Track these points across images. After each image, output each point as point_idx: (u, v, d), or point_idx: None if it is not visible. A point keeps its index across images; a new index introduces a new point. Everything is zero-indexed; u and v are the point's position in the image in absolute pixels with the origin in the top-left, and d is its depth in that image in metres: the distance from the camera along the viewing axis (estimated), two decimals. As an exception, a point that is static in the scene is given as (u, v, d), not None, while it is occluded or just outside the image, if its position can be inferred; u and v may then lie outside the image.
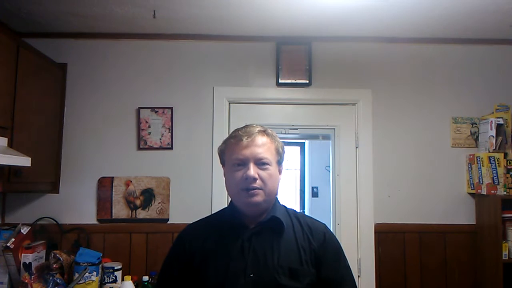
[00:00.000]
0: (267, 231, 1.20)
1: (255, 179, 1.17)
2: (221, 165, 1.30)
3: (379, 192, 2.51)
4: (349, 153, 2.55)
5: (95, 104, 2.52)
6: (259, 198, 1.18)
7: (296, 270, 1.15)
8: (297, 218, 1.28)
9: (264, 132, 1.24)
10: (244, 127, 1.26)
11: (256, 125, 1.26)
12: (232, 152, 1.21)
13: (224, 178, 1.27)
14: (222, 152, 1.28)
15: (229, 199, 1.30)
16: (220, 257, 1.17)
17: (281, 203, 1.31)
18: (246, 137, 1.20)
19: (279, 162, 1.26)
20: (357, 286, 1.26)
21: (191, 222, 1.33)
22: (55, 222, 2.40)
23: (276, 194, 1.27)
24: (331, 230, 2.53)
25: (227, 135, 1.29)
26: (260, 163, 1.19)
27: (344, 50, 2.60)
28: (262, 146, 1.20)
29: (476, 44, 2.60)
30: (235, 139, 1.22)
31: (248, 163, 1.18)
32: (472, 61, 2.61)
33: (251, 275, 1.13)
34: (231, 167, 1.22)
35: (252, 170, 1.17)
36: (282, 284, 1.12)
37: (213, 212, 1.41)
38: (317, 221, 1.31)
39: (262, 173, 1.18)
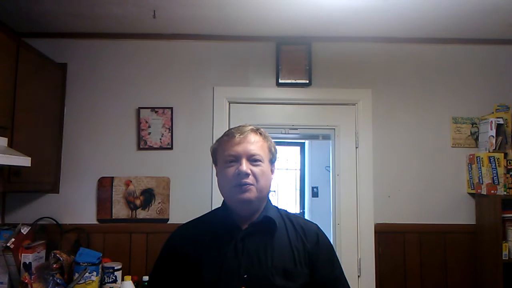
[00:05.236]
0: (260, 232, 1.21)
1: (247, 175, 1.18)
2: (213, 165, 1.31)
3: (379, 192, 2.51)
4: (349, 153, 2.55)
5: (95, 104, 2.52)
6: (251, 194, 1.18)
7: (290, 270, 1.16)
8: (290, 218, 1.28)
9: (256, 130, 1.26)
10: (237, 126, 1.28)
11: (249, 124, 1.28)
12: (225, 149, 1.23)
13: (217, 178, 1.28)
14: (215, 151, 1.29)
15: None
16: (213, 258, 1.17)
17: (273, 203, 1.31)
18: (238, 134, 1.22)
19: (272, 161, 1.28)
20: (350, 286, 1.28)
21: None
22: (55, 222, 2.40)
23: (269, 193, 1.27)
24: (331, 230, 2.56)
25: None
26: (253, 159, 1.20)
27: (344, 50, 2.60)
28: (254, 143, 1.22)
29: (476, 44, 2.60)
30: (228, 136, 1.24)
31: (241, 159, 1.19)
32: (472, 61, 2.61)
33: (245, 276, 1.13)
34: (223, 164, 1.23)
35: (245, 166, 1.18)
36: (276, 285, 1.13)
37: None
38: (309, 221, 1.33)
39: (255, 169, 1.19)
